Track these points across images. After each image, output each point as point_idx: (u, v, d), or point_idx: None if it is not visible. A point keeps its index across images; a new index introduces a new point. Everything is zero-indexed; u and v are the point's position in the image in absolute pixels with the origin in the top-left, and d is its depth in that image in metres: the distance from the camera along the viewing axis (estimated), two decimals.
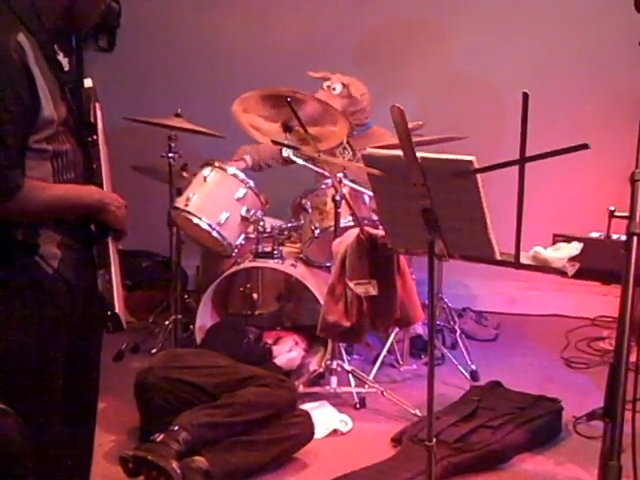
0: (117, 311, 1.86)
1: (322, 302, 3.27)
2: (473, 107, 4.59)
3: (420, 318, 3.19)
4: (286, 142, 3.37)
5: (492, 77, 4.59)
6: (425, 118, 3.78)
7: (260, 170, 4.06)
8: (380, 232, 2.92)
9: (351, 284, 2.99)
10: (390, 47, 4.72)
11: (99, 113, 2.05)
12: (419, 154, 1.77)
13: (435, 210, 1.83)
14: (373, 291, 2.97)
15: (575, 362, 4.00)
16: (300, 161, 3.44)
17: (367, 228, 3.01)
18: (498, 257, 1.80)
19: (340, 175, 3.43)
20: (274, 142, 3.19)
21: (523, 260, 1.87)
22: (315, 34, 4.71)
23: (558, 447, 3.10)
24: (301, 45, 4.69)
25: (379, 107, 3.99)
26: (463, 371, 3.73)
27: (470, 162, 1.73)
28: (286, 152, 3.36)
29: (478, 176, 1.75)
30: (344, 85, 3.91)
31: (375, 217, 3.52)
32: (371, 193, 3.38)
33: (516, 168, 1.73)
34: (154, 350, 3.88)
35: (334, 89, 3.90)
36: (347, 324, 3.02)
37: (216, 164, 3.68)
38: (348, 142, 3.99)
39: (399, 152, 1.79)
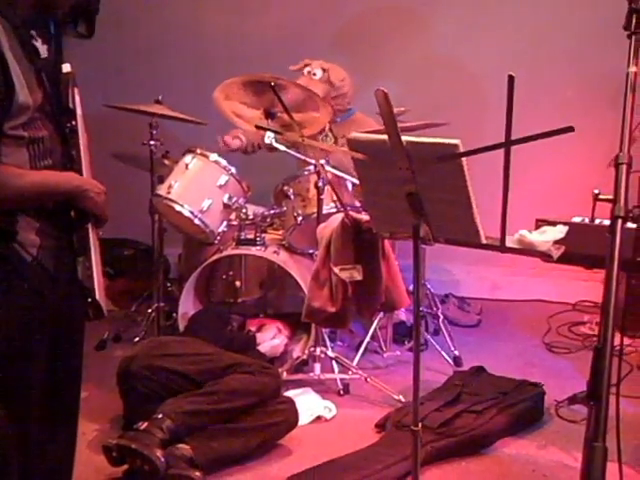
0: (97, 298, 1.83)
1: (305, 289, 3.27)
2: (455, 93, 4.60)
3: (406, 303, 3.20)
4: (270, 127, 3.34)
5: (474, 63, 4.59)
6: (407, 104, 3.80)
7: (253, 152, 4.06)
8: (365, 217, 2.91)
9: (336, 269, 2.99)
10: (371, 33, 4.71)
11: (78, 98, 2.01)
12: (404, 138, 1.76)
13: (420, 194, 1.82)
14: (358, 276, 2.97)
15: (557, 347, 4.03)
16: (282, 147, 3.42)
17: (352, 213, 2.99)
18: (484, 241, 1.79)
19: (323, 161, 3.41)
20: (258, 127, 3.19)
21: (508, 244, 1.86)
22: (296, 20, 4.69)
23: (541, 431, 3.12)
24: (282, 31, 4.66)
25: (361, 94, 3.98)
26: (446, 357, 3.73)
27: (456, 145, 1.72)
28: (268, 138, 3.34)
29: (463, 160, 1.74)
30: (324, 70, 3.90)
31: (358, 204, 3.53)
32: (354, 180, 3.44)
33: (498, 153, 1.72)
34: (137, 339, 3.86)
35: (314, 74, 3.90)
36: (332, 309, 3.02)
37: (198, 151, 3.67)
38: (330, 129, 3.98)
39: (384, 136, 1.78)
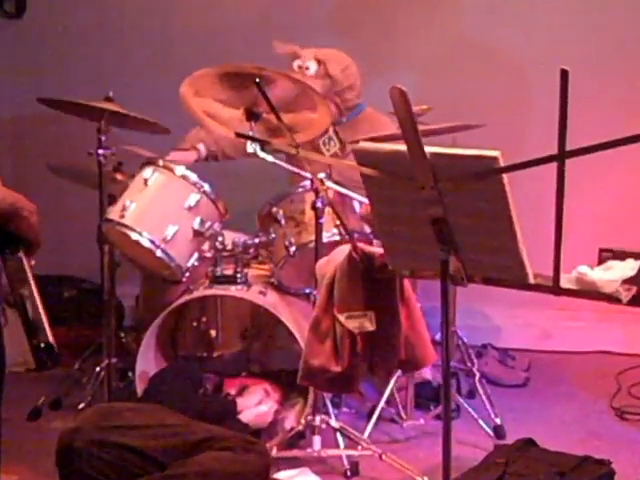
0: (51, 340, 1.87)
1: (301, 342, 3.28)
2: (490, 87, 4.66)
3: (432, 359, 3.20)
4: (254, 134, 3.40)
5: (512, 47, 4.66)
6: (430, 101, 3.80)
7: (216, 160, 4.10)
8: (378, 249, 2.93)
9: (341, 317, 3.00)
10: (380, 9, 4.76)
11: None
12: (428, 149, 1.80)
13: (449, 220, 1.86)
14: (370, 326, 2.98)
15: (629, 412, 4.03)
16: (269, 158, 3.44)
17: (361, 244, 3.02)
18: (532, 280, 1.83)
19: (322, 175, 3.43)
20: (238, 135, 3.23)
21: (564, 284, 1.89)
22: None
23: None
24: (267, 8, 4.74)
25: (370, 86, 4.02)
26: (484, 426, 3.74)
27: (494, 159, 1.77)
28: (252, 147, 3.37)
29: (504, 177, 1.78)
30: (319, 62, 3.96)
31: (368, 229, 3.54)
32: (362, 198, 3.47)
33: (549, 167, 1.76)
34: (81, 405, 3.85)
35: (307, 69, 3.97)
36: (337, 369, 3.02)
37: (160, 163, 3.70)
38: (335, 130, 4.02)
39: (401, 146, 1.82)
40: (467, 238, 1.88)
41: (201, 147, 4.05)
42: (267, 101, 3.07)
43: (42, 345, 1.88)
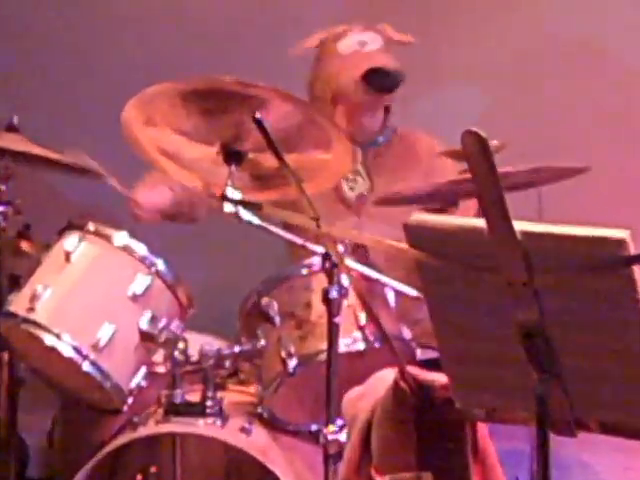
0: None
1: None
2: (590, 106, 4.69)
3: None
4: (237, 192, 3.32)
5: (622, 51, 4.70)
6: (501, 130, 3.74)
7: (191, 219, 4.15)
8: (437, 376, 2.86)
9: None
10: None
11: None
12: (518, 226, 1.81)
13: (549, 333, 1.87)
14: None
15: None
16: (256, 221, 3.35)
17: (411, 368, 2.97)
18: None
19: (340, 248, 3.36)
20: (224, 199, 3.25)
21: None
22: None
23: None
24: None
25: (406, 105, 4.14)
26: None
27: (620, 242, 1.77)
28: (234, 209, 3.26)
29: (636, 269, 1.79)
30: (377, 31, 4.09)
31: (407, 334, 3.52)
32: (401, 286, 3.47)
33: None
34: None
35: (368, 43, 4.06)
36: None
37: (90, 227, 3.66)
38: (364, 157, 4.12)
39: (478, 221, 1.82)
40: (577, 361, 1.88)
41: (174, 186, 4.03)
42: (269, 143, 3.07)
43: None
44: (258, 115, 3.14)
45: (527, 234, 1.79)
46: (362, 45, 4.06)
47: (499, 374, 1.98)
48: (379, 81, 4.00)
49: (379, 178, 4.11)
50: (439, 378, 2.87)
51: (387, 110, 4.18)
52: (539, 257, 1.80)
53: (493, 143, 3.52)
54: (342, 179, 4.04)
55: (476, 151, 1.73)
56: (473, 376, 2.03)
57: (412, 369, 3.00)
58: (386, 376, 3.07)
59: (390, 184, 4.05)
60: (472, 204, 3.30)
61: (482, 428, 3.05)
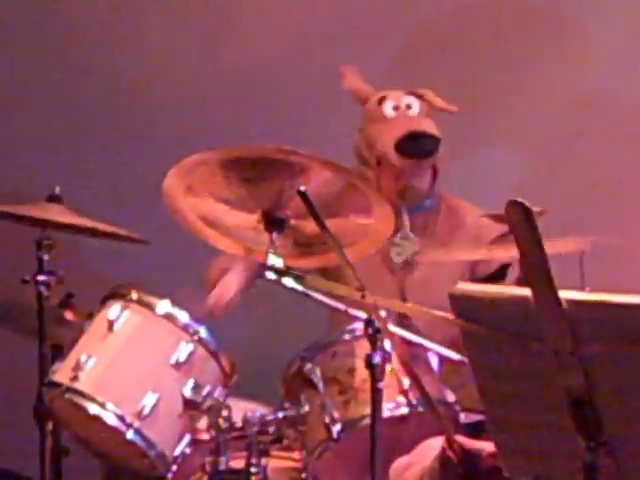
0: None
1: None
2: (628, 172, 4.69)
3: None
4: (281, 259, 3.31)
5: None
6: (542, 194, 3.74)
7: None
8: (484, 444, 2.85)
9: None
10: (464, 52, 4.87)
11: None
12: (563, 295, 1.79)
13: (597, 402, 1.86)
14: None
15: None
16: (300, 288, 3.34)
17: (458, 437, 2.96)
18: None
19: (383, 313, 3.32)
20: (273, 270, 3.22)
21: None
22: (324, 32, 4.85)
23: None
24: (292, 57, 4.80)
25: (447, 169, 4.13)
26: None
27: None
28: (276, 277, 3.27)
29: None
30: (418, 97, 4.10)
31: (451, 398, 3.50)
32: (445, 350, 3.47)
33: None
34: None
35: (408, 107, 4.09)
36: None
37: (132, 295, 3.66)
38: (411, 221, 4.10)
39: (523, 290, 1.81)
40: (626, 430, 1.87)
41: (238, 269, 4.06)
42: (313, 213, 3.07)
43: None
44: (303, 188, 3.14)
45: (572, 302, 1.79)
46: (402, 109, 4.08)
47: (546, 441, 1.96)
48: (412, 146, 4.01)
49: (428, 243, 4.11)
50: (486, 446, 2.87)
51: (435, 171, 4.18)
52: (585, 326, 1.79)
53: (535, 210, 3.55)
54: (390, 244, 4.04)
55: (521, 221, 1.74)
56: (520, 443, 2.02)
57: (459, 437, 2.99)
58: (433, 445, 3.06)
59: (438, 249, 4.05)
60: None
61: None
